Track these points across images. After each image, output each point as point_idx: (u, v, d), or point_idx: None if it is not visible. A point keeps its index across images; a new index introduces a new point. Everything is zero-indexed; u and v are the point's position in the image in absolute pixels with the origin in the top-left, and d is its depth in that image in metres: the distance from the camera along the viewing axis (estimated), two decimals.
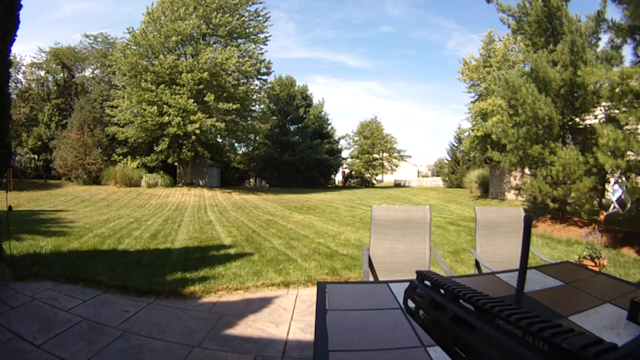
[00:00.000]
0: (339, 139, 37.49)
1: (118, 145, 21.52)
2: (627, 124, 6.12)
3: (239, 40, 22.60)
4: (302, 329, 2.63)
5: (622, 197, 6.06)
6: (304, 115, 33.76)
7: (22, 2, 3.51)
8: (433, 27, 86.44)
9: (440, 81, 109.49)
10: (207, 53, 19.25)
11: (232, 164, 30.85)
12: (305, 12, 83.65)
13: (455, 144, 27.92)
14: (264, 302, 3.15)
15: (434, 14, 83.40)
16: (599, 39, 7.38)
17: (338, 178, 42.71)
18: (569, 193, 7.14)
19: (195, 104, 18.86)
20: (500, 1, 8.78)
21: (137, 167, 20.25)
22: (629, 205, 6.02)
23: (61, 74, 26.09)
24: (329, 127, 36.33)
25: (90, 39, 27.02)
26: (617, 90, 6.13)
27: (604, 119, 7.27)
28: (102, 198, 14.33)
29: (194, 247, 5.39)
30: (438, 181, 35.06)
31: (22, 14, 3.55)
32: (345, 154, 38.62)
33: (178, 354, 2.22)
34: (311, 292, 3.38)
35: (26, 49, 47.71)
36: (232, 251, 5.15)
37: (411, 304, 0.49)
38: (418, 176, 49.72)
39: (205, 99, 18.88)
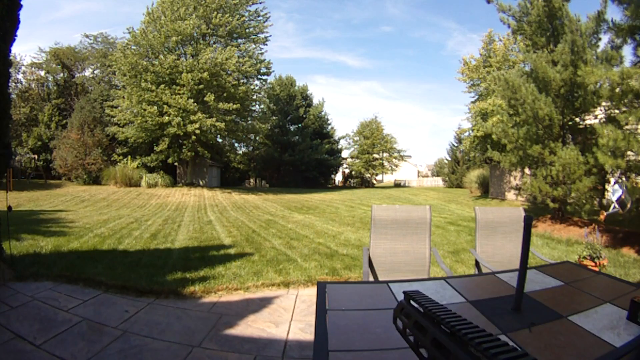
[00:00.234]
0: (339, 139, 37.53)
1: (118, 145, 21.52)
2: (627, 124, 6.12)
3: (239, 40, 22.60)
4: (302, 329, 2.63)
5: (622, 197, 6.06)
6: (304, 115, 33.75)
7: (22, 2, 3.51)
8: (433, 27, 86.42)
9: (440, 81, 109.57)
10: (207, 53, 19.25)
11: (232, 164, 30.84)
12: (305, 12, 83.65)
13: (455, 144, 27.93)
14: (264, 302, 3.15)
15: (434, 14, 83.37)
16: (599, 39, 7.38)
17: (338, 178, 42.71)
18: (569, 193, 7.14)
19: (195, 104, 18.86)
20: (500, 1, 8.79)
21: (137, 167, 20.26)
22: (629, 205, 6.03)
23: (61, 74, 26.09)
24: (329, 127, 36.35)
25: (90, 39, 27.07)
26: (617, 90, 6.13)
27: (604, 119, 7.27)
28: (102, 198, 14.33)
29: (194, 247, 5.39)
30: (438, 181, 35.07)
31: (22, 14, 3.54)
32: (345, 154, 38.67)
33: (178, 354, 2.22)
34: (311, 292, 3.38)
35: (26, 49, 47.79)
36: (232, 251, 5.15)
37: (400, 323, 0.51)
38: (418, 176, 49.73)
39: (205, 99, 18.88)
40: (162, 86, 19.12)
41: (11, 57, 3.72)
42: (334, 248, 5.45)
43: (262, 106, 28.79)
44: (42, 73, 26.01)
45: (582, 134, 7.83)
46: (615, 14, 16.01)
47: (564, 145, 7.46)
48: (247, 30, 22.60)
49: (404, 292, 0.52)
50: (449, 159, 29.53)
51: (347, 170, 40.14)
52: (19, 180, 18.96)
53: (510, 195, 14.87)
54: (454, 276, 1.79)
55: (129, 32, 19.89)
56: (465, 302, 1.36)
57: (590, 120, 7.87)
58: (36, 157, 21.50)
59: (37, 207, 11.20)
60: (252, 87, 22.93)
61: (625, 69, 5.93)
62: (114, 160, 20.78)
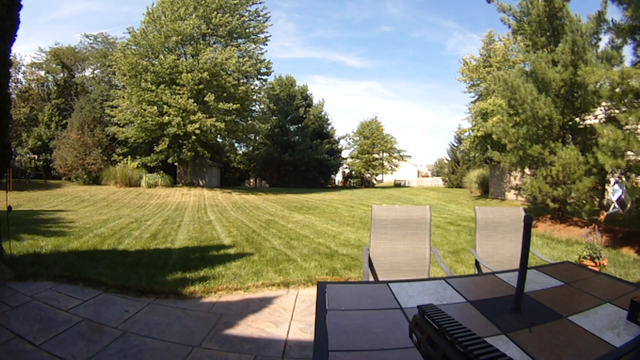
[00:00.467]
0: (339, 139, 37.53)
1: (118, 145, 21.52)
2: (627, 124, 6.12)
3: (239, 40, 22.61)
4: (302, 329, 2.63)
5: (622, 197, 6.06)
6: (304, 115, 33.76)
7: (22, 2, 3.51)
8: (433, 27, 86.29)
9: (440, 81, 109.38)
10: (207, 53, 19.25)
11: (232, 164, 30.85)
12: (305, 12, 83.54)
13: (455, 144, 27.93)
14: (264, 302, 3.14)
15: (434, 14, 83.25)
16: (600, 39, 7.38)
17: (338, 178, 42.70)
18: (569, 193, 7.14)
19: (195, 104, 18.86)
20: (500, 1, 8.79)
21: (137, 167, 20.26)
22: (629, 205, 6.03)
23: (61, 74, 26.09)
24: (329, 127, 36.35)
25: (90, 39, 27.07)
26: (617, 90, 6.13)
27: (604, 119, 7.27)
28: (102, 198, 14.33)
29: (194, 247, 5.39)
30: (438, 181, 35.07)
31: (22, 14, 3.54)
32: (345, 154, 38.67)
33: (178, 354, 2.22)
34: (311, 292, 3.38)
35: (26, 49, 47.84)
36: (232, 251, 5.15)
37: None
38: (418, 176, 49.73)
39: (205, 99, 18.88)
40: (162, 86, 19.12)
41: (11, 57, 3.72)
42: (334, 248, 5.45)
43: (262, 106, 28.82)
44: (42, 73, 26.02)
45: (582, 134, 7.83)
46: (615, 14, 16.02)
47: (564, 145, 7.45)
48: (247, 30, 22.61)
49: (418, 307, 0.54)
50: (449, 159, 29.54)
51: (347, 170, 40.14)
52: (19, 180, 18.96)
53: (510, 195, 14.87)
54: (454, 276, 1.79)
55: (129, 32, 19.91)
56: (465, 302, 1.36)
57: (590, 120, 7.87)
58: (36, 157, 21.51)
59: (37, 207, 11.20)
60: (252, 87, 22.94)
61: (626, 68, 5.92)
62: (114, 160, 20.78)
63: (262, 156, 32.48)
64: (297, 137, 32.89)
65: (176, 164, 21.81)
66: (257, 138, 29.16)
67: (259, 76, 23.83)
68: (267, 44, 23.64)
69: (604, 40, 7.38)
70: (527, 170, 9.10)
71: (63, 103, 24.41)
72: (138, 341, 2.34)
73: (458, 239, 6.54)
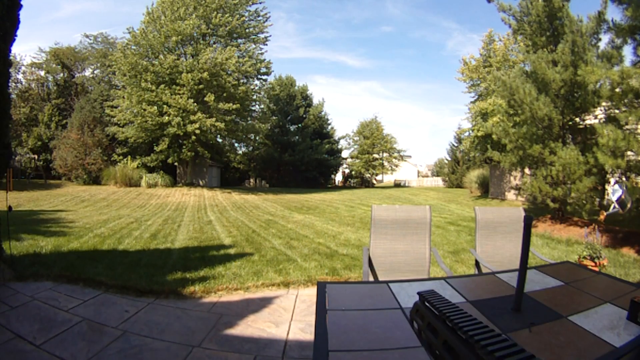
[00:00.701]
0: (339, 139, 37.54)
1: (118, 145, 21.52)
2: (627, 124, 6.12)
3: (239, 40, 22.61)
4: (302, 329, 2.63)
5: (622, 197, 6.06)
6: (304, 115, 33.75)
7: (22, 2, 3.51)
8: (433, 27, 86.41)
9: (440, 81, 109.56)
10: (207, 53, 19.25)
11: (232, 164, 30.85)
12: (305, 12, 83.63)
13: (455, 144, 27.93)
14: (264, 302, 3.14)
15: (434, 14, 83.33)
16: (600, 39, 7.37)
17: (338, 178, 42.71)
18: (569, 193, 7.14)
19: (195, 104, 18.86)
20: (500, 1, 8.78)
21: (137, 167, 20.26)
22: (629, 205, 6.02)
23: (61, 74, 26.10)
24: (329, 127, 36.35)
25: (90, 39, 27.08)
26: (617, 89, 6.13)
27: (604, 119, 7.27)
28: (102, 198, 14.33)
29: (194, 247, 5.39)
30: (438, 181, 35.07)
31: (22, 14, 3.54)
32: (345, 154, 38.68)
33: (178, 354, 2.22)
34: (311, 292, 3.38)
35: (26, 49, 47.82)
36: (232, 251, 5.14)
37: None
38: (418, 176, 49.74)
39: (205, 99, 18.88)
40: (162, 86, 19.12)
41: (11, 57, 3.72)
42: (334, 248, 5.45)
43: (262, 106, 28.82)
44: (42, 73, 26.03)
45: (582, 134, 7.83)
46: (615, 14, 16.01)
47: (564, 145, 7.45)
48: (247, 30, 22.61)
49: (419, 293, 0.53)
50: (449, 159, 29.54)
51: (347, 170, 40.15)
52: (19, 180, 18.96)
53: (510, 195, 14.87)
54: (454, 276, 1.79)
55: (129, 32, 19.91)
56: (465, 302, 1.36)
57: (590, 120, 7.86)
58: (36, 157, 21.50)
59: (37, 207, 11.20)
60: (252, 87, 22.95)
61: (626, 68, 5.92)
62: (114, 160, 20.78)
63: (262, 156, 32.47)
64: (297, 137, 32.90)
65: (176, 164, 21.81)
66: (257, 138, 29.13)
67: (259, 76, 23.84)
68: (267, 44, 23.68)
69: (604, 40, 7.38)
70: (527, 170, 9.10)
71: (63, 103, 24.42)
72: (138, 341, 2.34)
73: (458, 239, 6.54)
